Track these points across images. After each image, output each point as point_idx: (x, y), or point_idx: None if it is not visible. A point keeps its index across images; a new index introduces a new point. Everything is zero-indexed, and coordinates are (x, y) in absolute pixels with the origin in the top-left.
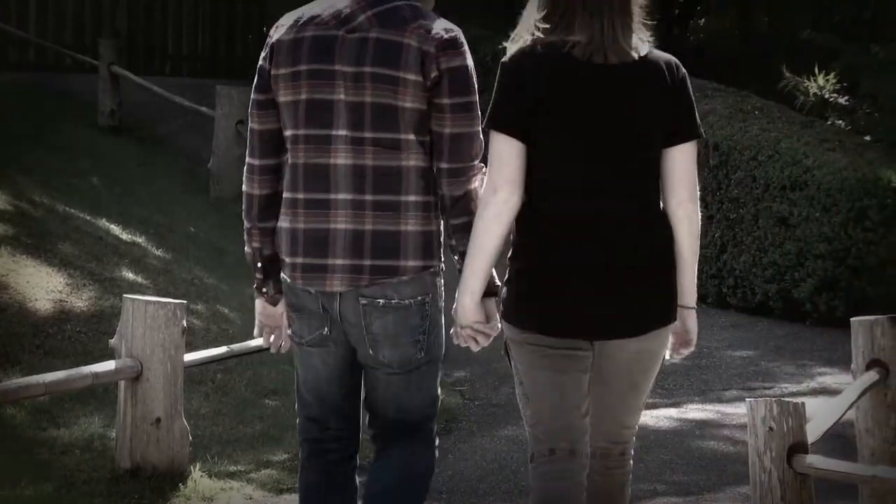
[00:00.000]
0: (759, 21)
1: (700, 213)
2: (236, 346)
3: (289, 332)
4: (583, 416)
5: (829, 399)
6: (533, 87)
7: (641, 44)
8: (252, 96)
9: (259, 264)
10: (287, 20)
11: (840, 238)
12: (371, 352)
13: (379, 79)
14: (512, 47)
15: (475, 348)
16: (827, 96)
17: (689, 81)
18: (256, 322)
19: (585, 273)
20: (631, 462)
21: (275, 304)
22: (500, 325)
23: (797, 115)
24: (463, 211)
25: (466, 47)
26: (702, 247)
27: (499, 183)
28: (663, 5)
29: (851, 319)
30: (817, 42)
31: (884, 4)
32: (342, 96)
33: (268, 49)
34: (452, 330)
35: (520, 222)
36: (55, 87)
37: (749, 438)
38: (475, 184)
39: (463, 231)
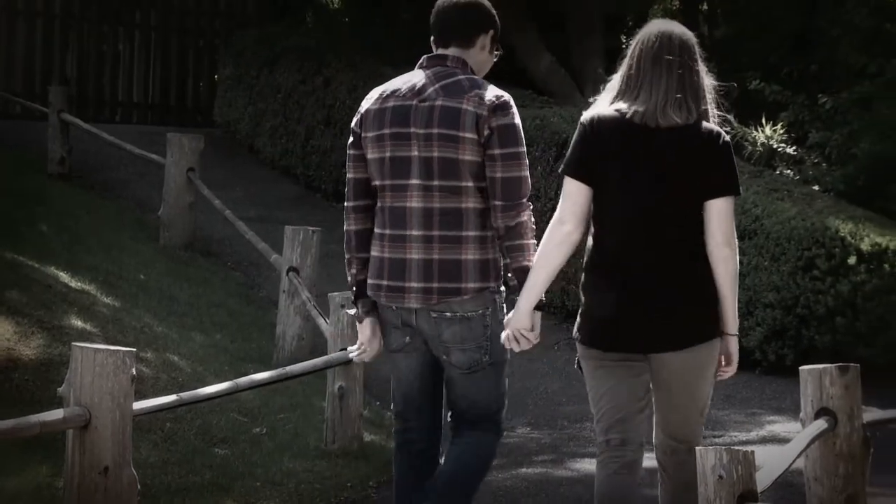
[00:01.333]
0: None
1: (738, 256)
2: (185, 395)
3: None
4: (636, 414)
5: (778, 447)
6: (599, 142)
7: (690, 113)
8: (348, 152)
9: (354, 287)
10: (374, 94)
11: (789, 287)
12: (444, 356)
13: (444, 138)
14: (591, 110)
15: (517, 349)
16: (775, 146)
17: (731, 147)
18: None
19: (635, 300)
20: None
21: (360, 321)
22: (538, 337)
23: (746, 165)
24: (514, 237)
25: (514, 109)
26: None
27: (566, 217)
28: (610, 60)
29: (800, 368)
30: (766, 94)
31: (831, 57)
32: (416, 153)
33: (359, 116)
34: (504, 333)
35: (585, 265)
36: (4, 134)
37: (699, 487)
38: (524, 217)
39: (515, 251)
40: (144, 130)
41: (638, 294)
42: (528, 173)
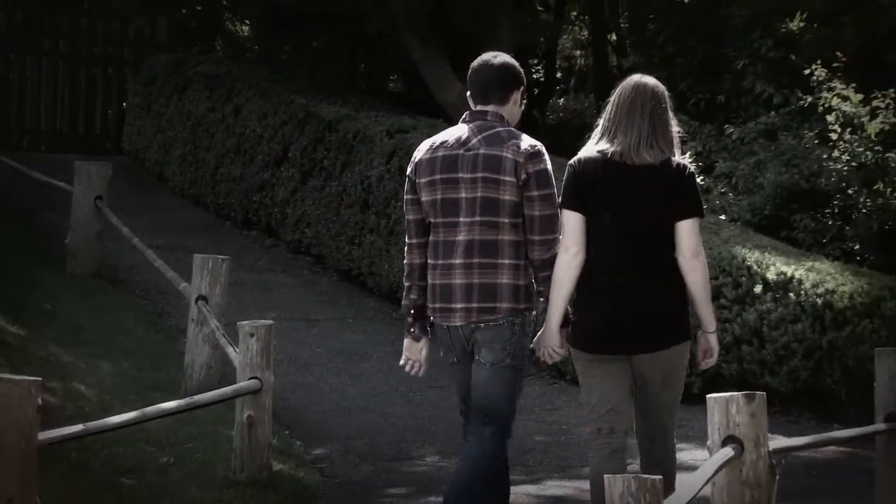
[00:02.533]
0: None
1: (706, 264)
2: (92, 424)
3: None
4: (621, 406)
5: (685, 475)
6: (586, 178)
7: (661, 153)
8: (406, 196)
9: (412, 311)
10: (424, 146)
11: (694, 316)
12: (476, 356)
13: (487, 180)
14: (581, 153)
15: (550, 361)
16: None
17: (695, 177)
18: (403, 356)
19: (616, 308)
20: (674, 441)
21: (418, 340)
22: (566, 350)
23: None
24: (547, 268)
25: (546, 155)
26: None
27: (569, 243)
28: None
29: (707, 396)
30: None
31: (737, 88)
32: (463, 194)
33: (413, 165)
34: (535, 344)
35: (578, 279)
36: None
37: None
38: (556, 250)
39: (546, 281)
40: (52, 158)
41: (622, 304)
42: (558, 211)
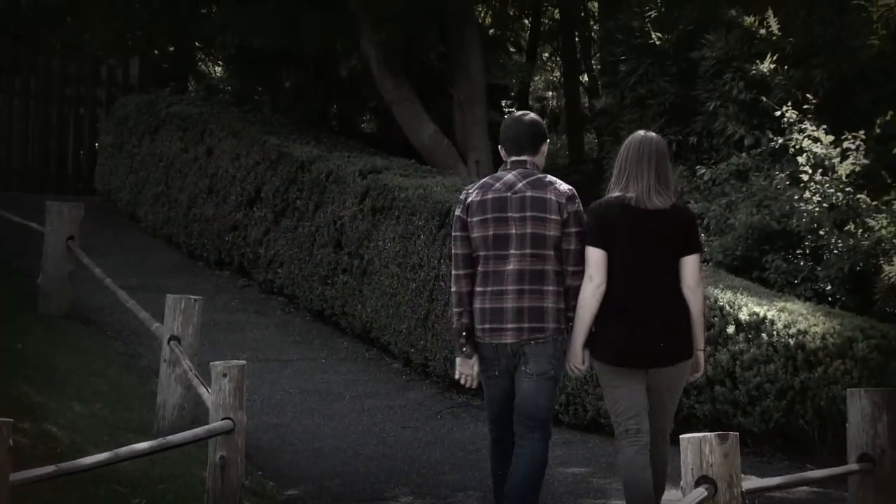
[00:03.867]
0: (587, 142)
1: (704, 292)
2: (64, 465)
3: (479, 370)
4: (643, 411)
5: None
6: (607, 221)
7: (667, 199)
8: (456, 234)
9: (464, 333)
10: (474, 189)
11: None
12: (524, 367)
13: (535, 219)
14: (602, 199)
15: (573, 376)
16: None
17: (695, 218)
18: (458, 372)
19: (636, 330)
20: (668, 438)
21: (470, 358)
22: (588, 367)
23: None
24: (576, 295)
25: (578, 198)
26: None
27: (594, 274)
28: (494, 130)
29: (680, 437)
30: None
31: (709, 129)
32: (513, 231)
33: (464, 205)
34: (567, 362)
35: (601, 304)
36: None
37: None
38: (583, 279)
39: (572, 308)
40: (23, 198)
41: (640, 325)
42: (583, 246)
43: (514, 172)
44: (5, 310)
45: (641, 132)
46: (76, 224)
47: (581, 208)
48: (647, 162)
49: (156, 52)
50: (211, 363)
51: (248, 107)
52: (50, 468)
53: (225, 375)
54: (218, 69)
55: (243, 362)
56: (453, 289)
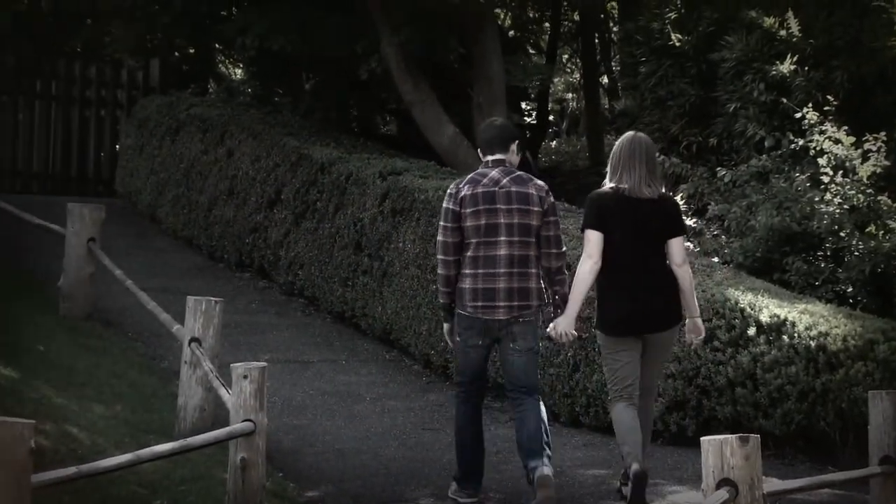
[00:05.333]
0: (607, 144)
1: (689, 268)
2: (85, 467)
3: (457, 338)
4: (636, 376)
5: None
6: (605, 208)
7: (656, 189)
8: (447, 224)
9: (449, 307)
10: (464, 184)
11: (690, 358)
12: (512, 343)
13: (521, 210)
14: (599, 190)
15: (564, 341)
16: None
17: (679, 206)
18: (449, 339)
19: (634, 302)
20: (655, 396)
21: (451, 325)
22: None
23: None
24: (559, 273)
25: (551, 193)
26: (554, 366)
27: (591, 254)
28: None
29: (701, 439)
30: (665, 167)
31: (729, 130)
32: (502, 220)
33: (456, 199)
34: (551, 329)
35: (599, 282)
36: None
37: None
38: (563, 261)
39: (558, 283)
40: (45, 200)
41: (637, 298)
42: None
43: (496, 170)
44: (27, 311)
45: (632, 132)
46: (97, 226)
47: (554, 200)
48: (639, 158)
49: (176, 54)
50: (231, 365)
51: (268, 109)
52: (71, 470)
53: (245, 377)
54: (238, 71)
55: (264, 364)
56: (442, 272)
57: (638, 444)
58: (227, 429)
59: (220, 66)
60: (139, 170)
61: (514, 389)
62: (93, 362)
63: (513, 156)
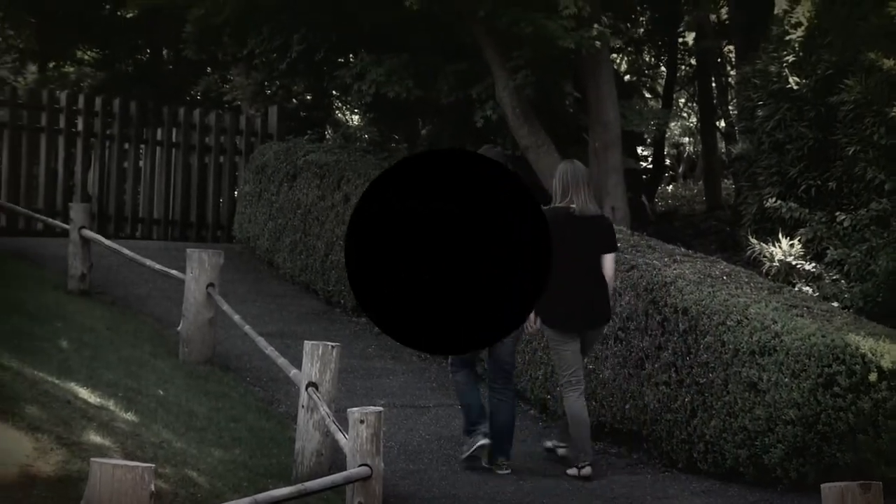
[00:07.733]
0: (724, 188)
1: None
2: None
3: None
4: (580, 367)
5: None
6: (558, 224)
7: (596, 209)
8: None
9: None
10: None
11: (809, 404)
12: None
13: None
14: (551, 207)
15: (527, 332)
16: (793, 262)
17: (612, 225)
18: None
19: (575, 303)
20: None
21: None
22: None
23: (765, 281)
24: None
25: None
26: (671, 411)
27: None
28: (633, 178)
29: (822, 486)
30: (783, 211)
31: (848, 175)
32: None
33: None
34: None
35: (549, 284)
36: (26, 251)
37: None
38: None
39: None
40: (165, 246)
41: (579, 300)
42: None
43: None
44: (147, 356)
45: (568, 161)
46: (216, 271)
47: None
48: (582, 181)
49: (294, 100)
50: (348, 409)
51: (384, 154)
52: None
53: (362, 422)
54: (355, 118)
55: (380, 408)
56: None
57: (587, 439)
58: (343, 473)
59: (336, 112)
60: (257, 215)
61: (499, 368)
62: (212, 406)
63: None
